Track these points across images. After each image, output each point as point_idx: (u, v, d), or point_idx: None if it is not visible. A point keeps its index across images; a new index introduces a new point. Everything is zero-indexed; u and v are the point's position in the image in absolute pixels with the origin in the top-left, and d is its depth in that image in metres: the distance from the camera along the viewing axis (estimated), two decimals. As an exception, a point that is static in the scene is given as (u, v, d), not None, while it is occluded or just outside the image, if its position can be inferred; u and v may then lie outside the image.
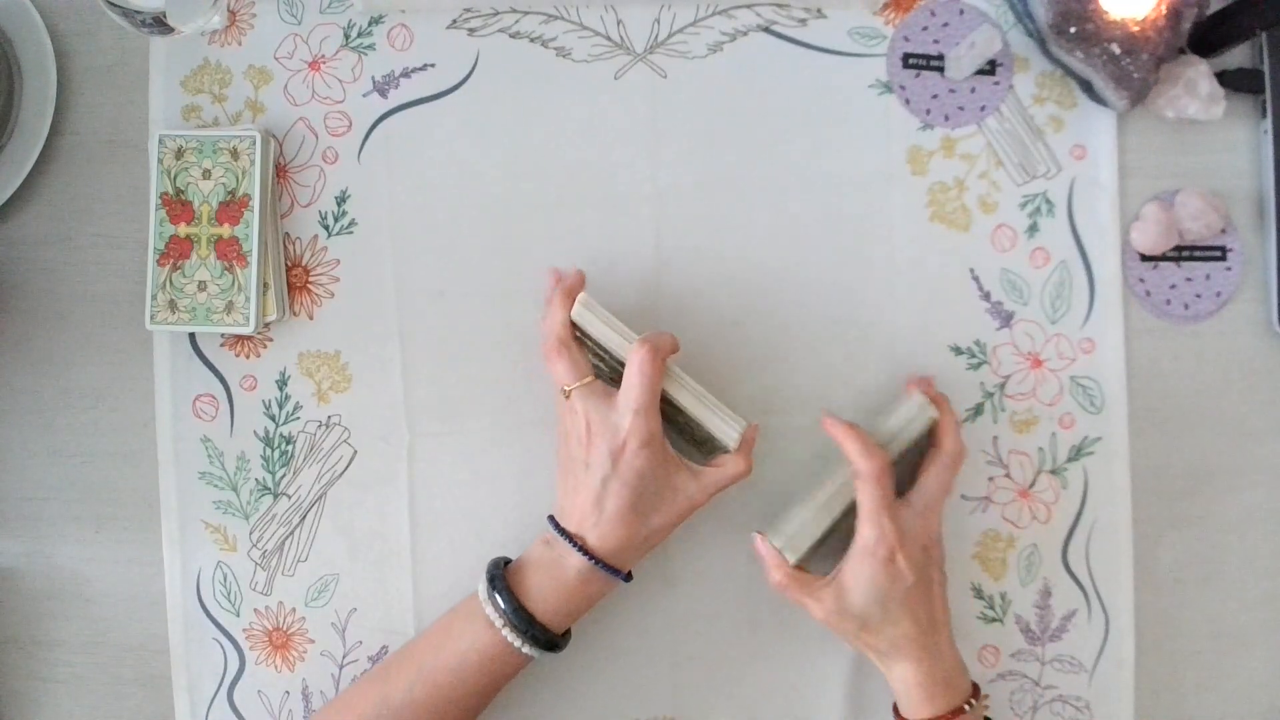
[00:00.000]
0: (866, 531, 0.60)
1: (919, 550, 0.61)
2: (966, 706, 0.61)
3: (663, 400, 0.62)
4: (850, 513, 0.62)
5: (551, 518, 0.63)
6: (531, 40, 0.69)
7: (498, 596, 0.61)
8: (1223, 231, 0.69)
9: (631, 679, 0.69)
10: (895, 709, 0.63)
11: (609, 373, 0.65)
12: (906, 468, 0.65)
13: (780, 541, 0.63)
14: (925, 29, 0.69)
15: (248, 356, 0.70)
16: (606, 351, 0.63)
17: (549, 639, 0.61)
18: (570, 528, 0.61)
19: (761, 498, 0.67)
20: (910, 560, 0.60)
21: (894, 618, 0.60)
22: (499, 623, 0.60)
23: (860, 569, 0.60)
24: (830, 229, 0.69)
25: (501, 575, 0.62)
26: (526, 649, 0.60)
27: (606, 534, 0.60)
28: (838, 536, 0.63)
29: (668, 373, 0.62)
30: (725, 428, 0.62)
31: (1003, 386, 0.69)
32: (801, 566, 0.63)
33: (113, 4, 0.62)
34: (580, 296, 0.62)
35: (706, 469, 0.62)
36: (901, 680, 0.61)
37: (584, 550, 0.60)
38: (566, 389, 0.62)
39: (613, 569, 0.61)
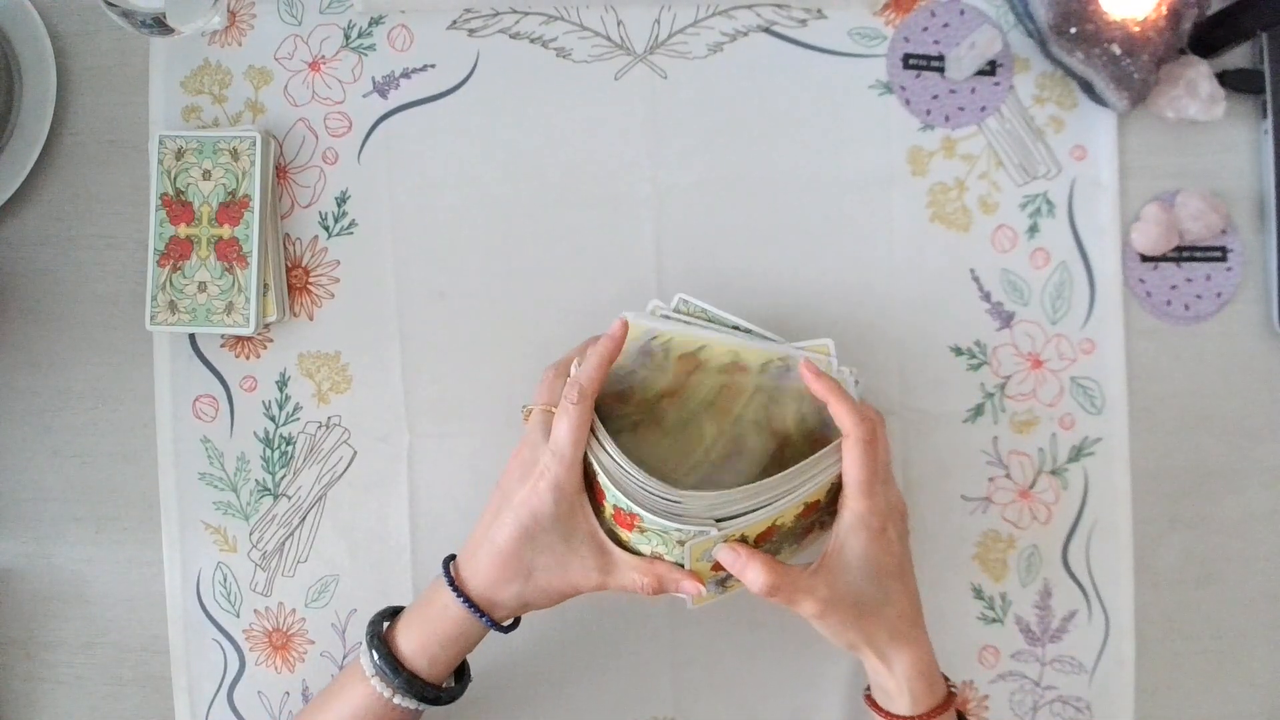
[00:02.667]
0: (859, 504, 0.55)
1: (901, 520, 0.59)
2: (953, 689, 0.58)
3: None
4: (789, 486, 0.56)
5: (451, 555, 0.60)
6: (532, 41, 0.69)
7: (370, 644, 0.58)
8: (1223, 232, 0.69)
9: (631, 679, 0.69)
10: (876, 708, 0.59)
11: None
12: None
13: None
14: (925, 29, 0.69)
15: (248, 357, 0.70)
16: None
17: (423, 690, 0.58)
18: (460, 560, 0.59)
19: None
20: (898, 531, 0.57)
21: (891, 595, 0.56)
22: (369, 671, 0.58)
23: (851, 544, 0.55)
24: (830, 229, 0.69)
25: (378, 621, 0.60)
26: (399, 700, 0.57)
27: (482, 568, 0.57)
28: (794, 531, 0.58)
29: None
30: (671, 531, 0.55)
31: (1003, 387, 0.69)
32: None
33: (112, 5, 0.62)
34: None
35: (624, 556, 0.56)
36: (905, 673, 0.57)
37: (455, 587, 0.57)
38: (526, 409, 0.60)
39: (483, 612, 0.57)
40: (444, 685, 0.60)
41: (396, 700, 0.57)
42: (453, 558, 0.60)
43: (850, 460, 0.55)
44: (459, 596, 0.57)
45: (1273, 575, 0.69)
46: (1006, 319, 0.69)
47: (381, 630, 0.59)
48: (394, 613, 0.61)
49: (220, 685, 0.69)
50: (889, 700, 0.58)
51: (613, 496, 0.55)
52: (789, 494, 0.55)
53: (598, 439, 0.56)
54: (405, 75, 0.69)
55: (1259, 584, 0.69)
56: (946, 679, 0.59)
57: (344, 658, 0.69)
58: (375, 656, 0.58)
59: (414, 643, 0.58)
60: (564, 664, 0.69)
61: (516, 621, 0.60)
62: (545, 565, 0.56)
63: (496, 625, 0.58)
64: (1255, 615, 0.69)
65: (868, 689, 0.60)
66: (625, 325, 0.58)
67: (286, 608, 0.69)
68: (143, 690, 0.70)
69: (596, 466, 0.55)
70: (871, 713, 0.59)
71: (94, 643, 0.70)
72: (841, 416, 0.55)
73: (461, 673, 0.61)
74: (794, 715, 0.69)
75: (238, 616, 0.69)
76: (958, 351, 0.69)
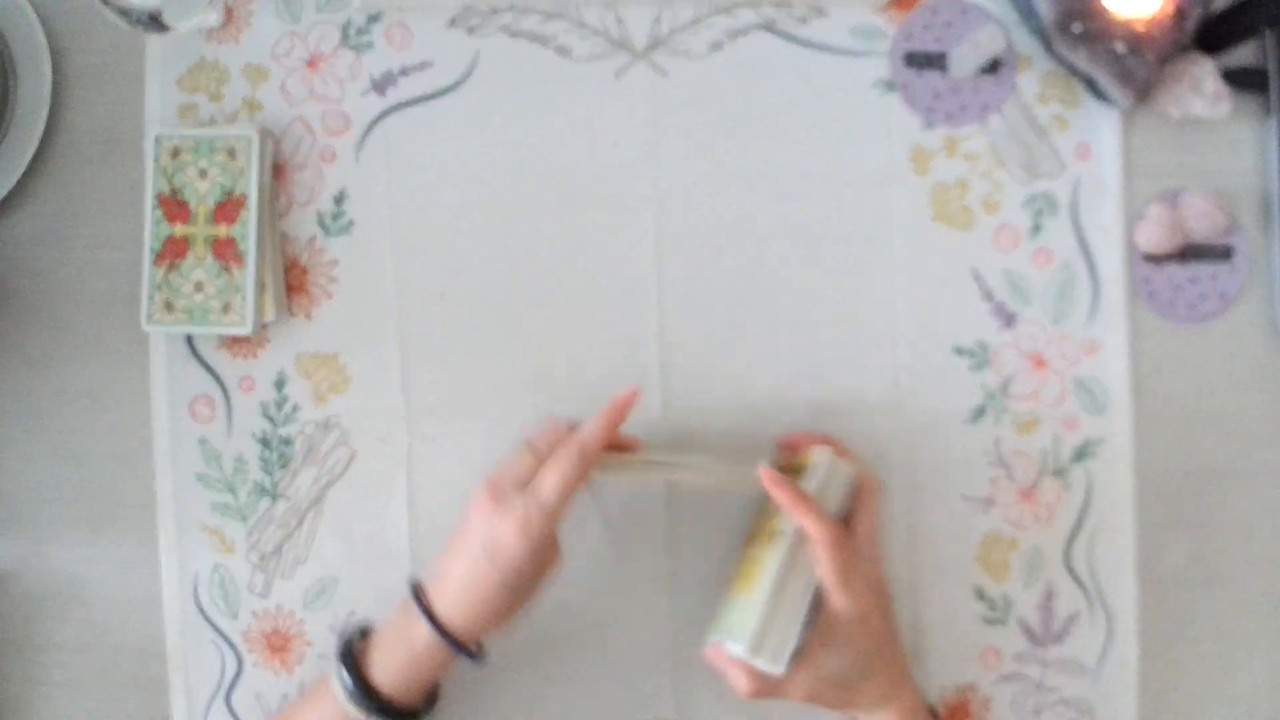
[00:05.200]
0: (838, 601, 0.57)
1: (881, 597, 0.60)
2: None
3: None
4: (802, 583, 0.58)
5: (415, 581, 0.60)
6: (531, 39, 0.69)
7: (343, 669, 0.59)
8: (1228, 231, 0.68)
9: (631, 679, 0.69)
10: None
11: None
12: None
13: (758, 655, 0.56)
14: (928, 27, 0.69)
15: (245, 357, 0.69)
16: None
17: (396, 713, 0.59)
18: (430, 590, 0.59)
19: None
20: (880, 611, 0.59)
21: (874, 669, 0.59)
22: (342, 697, 0.58)
23: (834, 638, 0.57)
24: (832, 229, 0.69)
25: (349, 645, 0.60)
26: None
27: (465, 612, 0.58)
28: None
29: (664, 463, 0.61)
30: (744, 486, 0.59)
31: (1005, 387, 0.69)
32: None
33: (108, 2, 0.62)
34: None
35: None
36: None
37: (434, 622, 0.58)
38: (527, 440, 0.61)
39: (462, 647, 0.58)
40: (416, 708, 0.61)
41: None
42: (418, 585, 0.60)
43: (819, 562, 0.57)
44: (442, 636, 0.58)
45: (1277, 576, 0.69)
46: (1009, 319, 0.69)
47: (353, 652, 0.60)
48: (362, 633, 0.62)
49: (218, 687, 0.69)
50: None
51: None
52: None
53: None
54: (403, 73, 0.69)
55: (1263, 585, 0.69)
56: (934, 712, 0.62)
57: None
58: (349, 681, 0.58)
59: (389, 670, 0.59)
60: (564, 664, 0.68)
61: (483, 649, 0.61)
62: (526, 590, 0.59)
63: (475, 658, 0.60)
64: (1259, 617, 0.69)
65: None
66: (635, 394, 0.60)
67: (284, 609, 0.69)
68: (140, 692, 0.70)
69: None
70: None
71: (91, 644, 0.70)
72: (804, 524, 0.57)
73: (432, 692, 0.62)
74: (794, 715, 0.69)
75: (235, 618, 0.69)
76: (959, 351, 0.69)
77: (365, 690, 0.58)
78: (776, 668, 0.56)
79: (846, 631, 0.58)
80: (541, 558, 0.58)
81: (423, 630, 0.58)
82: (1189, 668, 0.69)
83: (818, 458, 0.61)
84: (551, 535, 0.58)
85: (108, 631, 0.70)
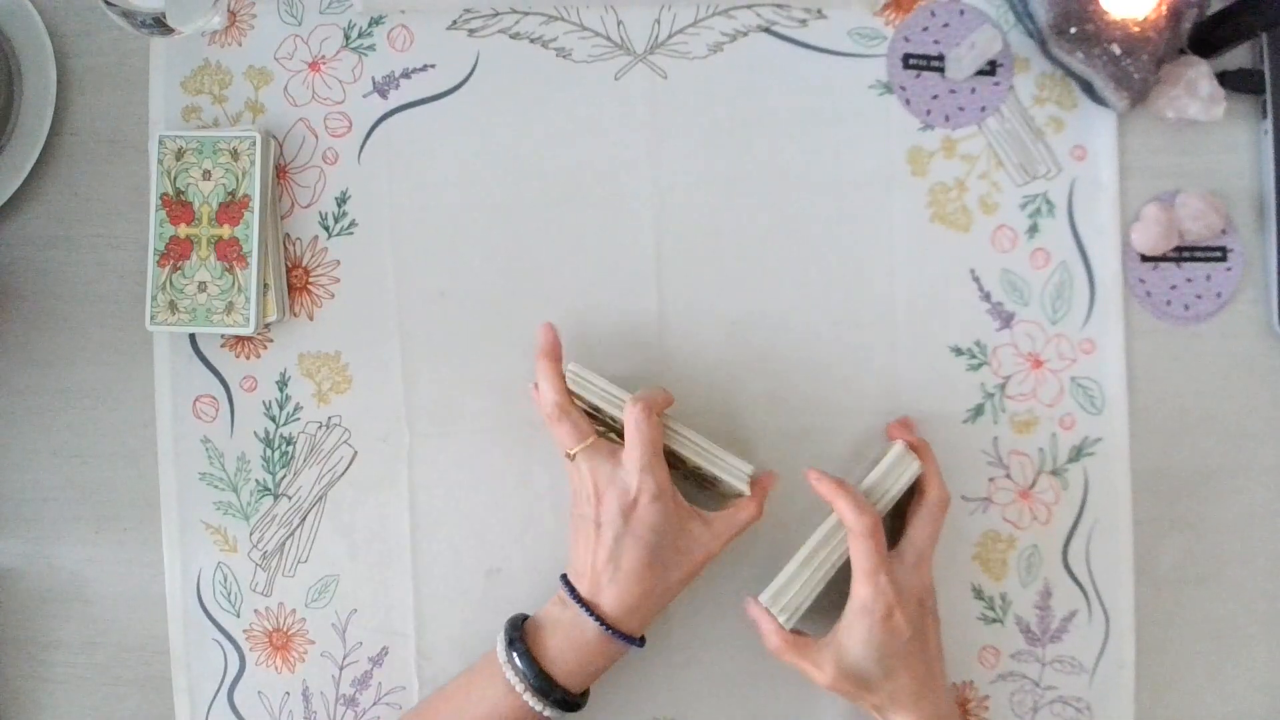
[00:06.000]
0: (863, 590, 0.59)
1: (915, 604, 0.61)
2: None
3: (669, 453, 0.62)
4: (844, 568, 0.62)
5: (565, 578, 0.63)
6: (532, 41, 0.69)
7: (517, 659, 0.60)
8: (1223, 232, 0.69)
9: (631, 679, 0.69)
10: None
11: (606, 430, 0.65)
12: (892, 513, 0.64)
13: (774, 605, 0.62)
14: (925, 29, 0.69)
15: (248, 357, 0.70)
16: (600, 411, 0.63)
17: (571, 701, 0.61)
18: (583, 588, 0.61)
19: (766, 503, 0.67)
20: (907, 616, 0.60)
21: (892, 673, 0.60)
22: (520, 686, 0.60)
23: (857, 627, 0.59)
24: (830, 230, 0.69)
25: (520, 637, 0.61)
26: (549, 712, 0.60)
27: (623, 593, 0.60)
28: (834, 594, 0.62)
29: (668, 430, 0.62)
30: (732, 478, 0.62)
31: (1003, 387, 0.69)
32: (798, 630, 0.62)
33: (112, 4, 0.62)
34: (571, 366, 0.63)
35: (718, 515, 0.62)
36: None
37: (597, 616, 0.60)
38: (570, 452, 0.62)
39: (627, 636, 0.60)
40: (584, 694, 0.63)
41: (548, 713, 0.60)
42: (570, 584, 0.62)
43: (854, 551, 0.60)
44: (609, 630, 0.60)
45: (1273, 575, 0.69)
46: (1007, 319, 0.69)
47: (526, 646, 0.61)
48: (519, 623, 0.63)
49: (220, 685, 0.69)
50: None
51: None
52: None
53: (675, 434, 0.63)
54: (405, 75, 0.69)
55: (1259, 584, 0.69)
56: None
57: (344, 658, 0.69)
58: (528, 673, 0.60)
59: (568, 663, 0.60)
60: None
61: (644, 637, 0.63)
62: (678, 561, 0.61)
63: (639, 643, 0.62)
64: (1255, 614, 0.69)
65: None
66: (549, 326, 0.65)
67: (287, 608, 0.69)
68: (143, 690, 0.70)
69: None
70: None
71: (94, 643, 0.70)
72: (843, 513, 0.60)
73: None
74: (794, 715, 0.69)
75: (238, 616, 0.69)
76: (958, 351, 0.69)
77: (545, 680, 0.60)
78: (787, 620, 0.61)
79: (867, 623, 0.59)
80: (669, 511, 0.60)
81: (592, 626, 0.60)
82: (1185, 666, 0.69)
83: (891, 450, 0.64)
84: (669, 489, 0.60)
85: (111, 630, 0.70)
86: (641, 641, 0.62)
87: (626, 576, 0.60)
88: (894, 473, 0.64)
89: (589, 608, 0.60)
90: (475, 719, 0.61)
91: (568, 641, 0.61)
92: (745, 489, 0.62)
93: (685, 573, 0.61)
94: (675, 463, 0.63)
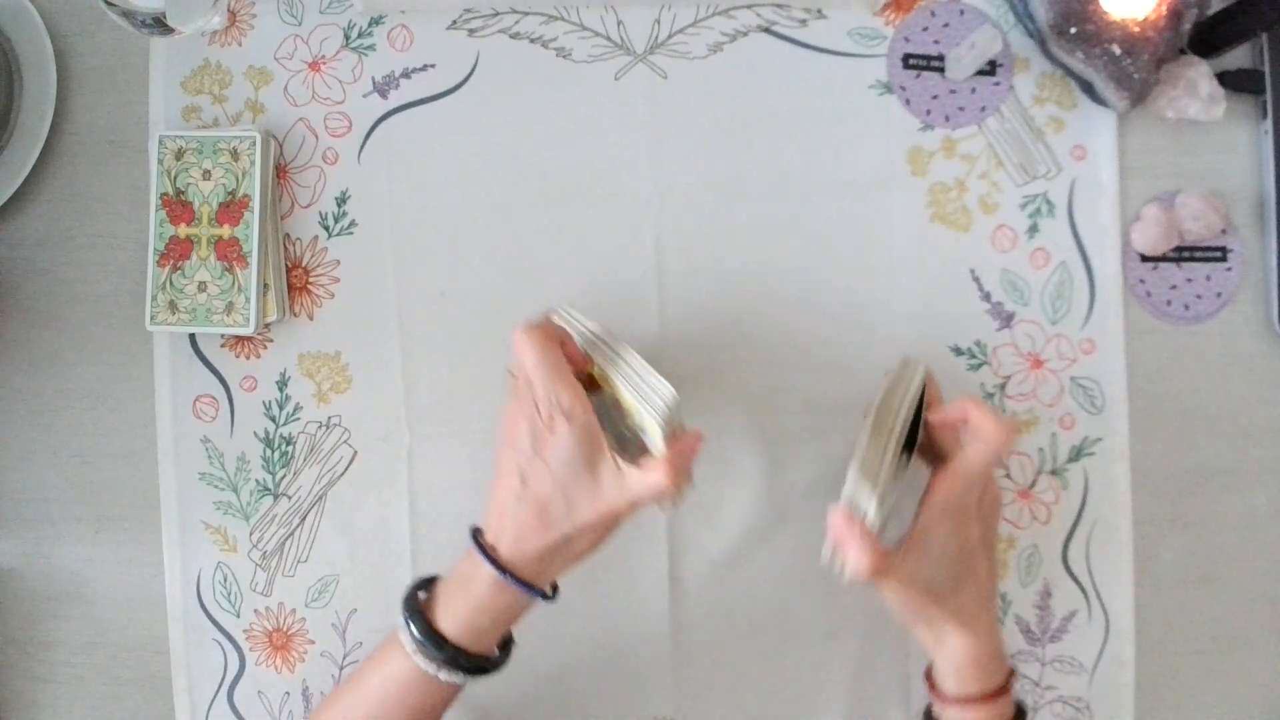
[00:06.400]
0: (953, 486, 0.56)
1: (992, 514, 0.59)
2: (1012, 680, 0.59)
3: (602, 397, 0.59)
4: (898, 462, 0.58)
5: (475, 528, 0.59)
6: (532, 41, 0.69)
7: (409, 620, 0.57)
8: (1223, 232, 0.69)
9: (631, 679, 0.69)
10: (932, 686, 0.60)
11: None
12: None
13: (859, 494, 0.56)
14: (925, 29, 0.69)
15: (248, 357, 0.70)
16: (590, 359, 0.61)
17: (469, 663, 0.56)
18: (489, 534, 0.57)
19: (765, 499, 0.67)
20: (984, 525, 0.58)
21: (961, 584, 0.57)
22: (410, 648, 0.56)
23: (937, 531, 0.56)
24: (830, 230, 0.69)
25: (414, 597, 0.58)
26: (444, 675, 0.56)
27: (523, 529, 0.55)
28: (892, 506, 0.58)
29: (601, 351, 0.58)
30: (649, 413, 0.55)
31: (1003, 387, 0.69)
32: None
33: (112, 4, 0.62)
34: (563, 307, 0.60)
35: (631, 469, 0.56)
36: (956, 657, 0.58)
37: (494, 561, 0.56)
38: (514, 370, 0.58)
39: (525, 583, 0.56)
40: (490, 656, 0.58)
41: (443, 676, 0.56)
42: (477, 530, 0.58)
43: (976, 456, 0.57)
44: (501, 572, 0.55)
45: (1273, 575, 0.69)
46: (1007, 319, 0.69)
47: (418, 605, 0.57)
48: (424, 584, 0.59)
49: (220, 685, 0.69)
50: (942, 678, 0.59)
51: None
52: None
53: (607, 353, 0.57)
54: (405, 75, 0.69)
55: (1259, 584, 0.69)
56: (1013, 670, 0.60)
57: (344, 657, 0.69)
58: (415, 632, 0.56)
59: (458, 618, 0.56)
60: (564, 664, 0.69)
61: (556, 589, 0.59)
62: (582, 501, 0.55)
63: (540, 594, 0.57)
64: (1255, 615, 0.69)
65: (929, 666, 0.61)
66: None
67: (287, 608, 0.69)
68: (143, 690, 0.70)
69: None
70: (926, 686, 0.61)
71: (94, 643, 0.70)
72: (985, 425, 0.57)
73: (505, 641, 0.60)
74: (794, 715, 0.69)
75: (238, 616, 0.69)
76: (958, 351, 0.69)
77: (433, 639, 0.56)
78: (877, 508, 0.55)
79: (948, 530, 0.56)
80: (581, 435, 0.55)
81: (485, 571, 0.56)
82: (1185, 665, 0.69)
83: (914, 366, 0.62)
84: (576, 402, 0.55)
85: (111, 629, 0.70)
86: (549, 594, 0.58)
87: (528, 511, 0.55)
88: (904, 379, 0.61)
89: (486, 551, 0.56)
90: (373, 689, 0.57)
91: (462, 596, 0.56)
92: (660, 444, 0.56)
93: (589, 520, 0.55)
94: (612, 415, 0.60)
